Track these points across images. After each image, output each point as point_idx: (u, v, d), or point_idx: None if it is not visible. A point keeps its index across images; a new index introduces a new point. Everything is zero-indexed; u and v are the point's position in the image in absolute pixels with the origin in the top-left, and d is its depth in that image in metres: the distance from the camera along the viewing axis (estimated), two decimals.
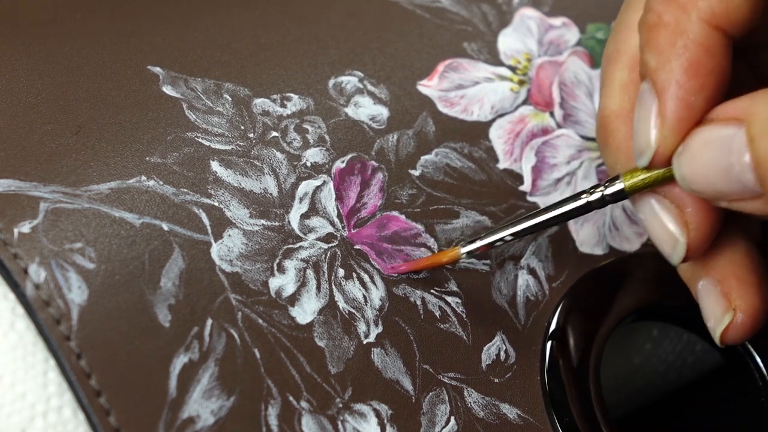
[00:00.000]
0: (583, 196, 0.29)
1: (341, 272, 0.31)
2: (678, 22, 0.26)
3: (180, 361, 0.28)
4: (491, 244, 0.31)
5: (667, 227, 0.28)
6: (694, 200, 0.28)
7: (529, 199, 0.35)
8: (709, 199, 0.27)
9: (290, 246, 0.31)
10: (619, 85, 0.30)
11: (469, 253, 0.31)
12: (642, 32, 0.27)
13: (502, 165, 0.36)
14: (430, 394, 0.31)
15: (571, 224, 0.36)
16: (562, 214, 0.30)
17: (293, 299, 0.30)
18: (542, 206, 0.35)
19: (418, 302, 0.32)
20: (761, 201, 0.25)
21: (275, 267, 0.30)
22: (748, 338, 0.30)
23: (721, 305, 0.30)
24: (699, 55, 0.26)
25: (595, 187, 0.29)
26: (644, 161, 0.27)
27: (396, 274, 0.32)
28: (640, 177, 0.28)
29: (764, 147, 0.24)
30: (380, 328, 0.31)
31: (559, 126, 0.37)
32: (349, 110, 0.34)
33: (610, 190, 0.29)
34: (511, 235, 0.31)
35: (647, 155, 0.27)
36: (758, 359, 0.35)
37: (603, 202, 0.29)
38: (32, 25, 0.34)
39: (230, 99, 0.33)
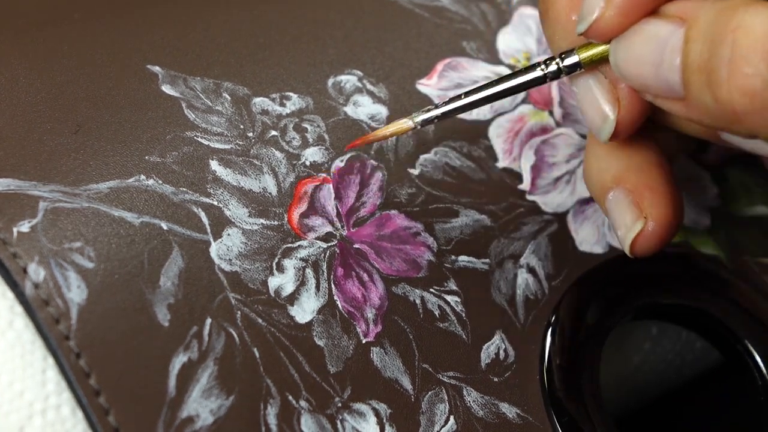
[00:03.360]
0: (539, 67, 0.29)
1: (340, 271, 0.31)
2: None
3: (179, 360, 0.28)
4: (448, 114, 0.30)
5: (599, 102, 0.29)
6: None
7: (529, 197, 0.35)
8: (636, 89, 0.27)
9: (289, 245, 0.31)
10: None
11: (424, 122, 0.31)
12: None
13: (502, 164, 0.36)
14: (429, 393, 0.31)
15: (571, 223, 0.36)
16: (518, 84, 0.30)
17: (292, 298, 0.30)
18: (542, 206, 0.35)
19: (418, 301, 0.32)
20: (682, 104, 0.26)
21: (274, 266, 0.30)
22: (658, 250, 0.30)
23: (631, 213, 0.30)
24: None
25: (551, 59, 0.29)
26: (582, 27, 0.27)
27: (395, 275, 0.32)
28: (594, 51, 0.28)
29: (695, 51, 0.24)
30: (379, 327, 0.31)
31: (558, 125, 0.37)
32: (349, 109, 0.34)
33: (566, 62, 0.29)
34: (469, 104, 0.30)
35: (586, 22, 0.27)
36: (758, 358, 0.35)
37: (558, 73, 0.29)
38: (31, 25, 0.34)
39: (229, 98, 0.33)
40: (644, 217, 0.30)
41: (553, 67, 0.29)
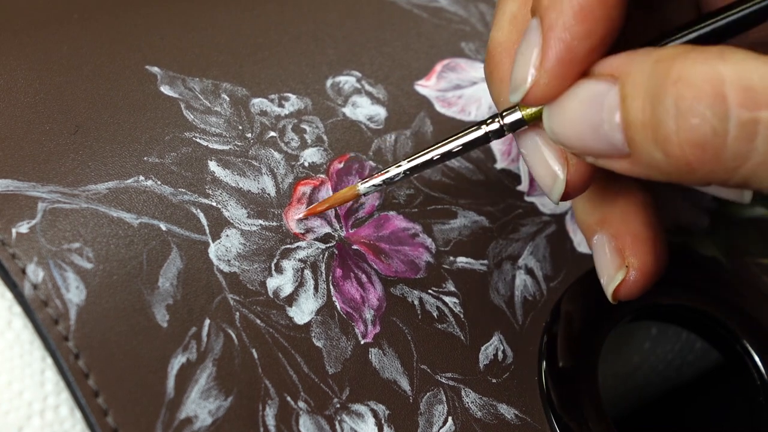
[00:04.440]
0: (482, 126, 0.29)
1: (339, 272, 0.31)
2: None
3: (178, 361, 0.28)
4: (391, 179, 0.31)
5: (547, 162, 0.28)
6: None
7: (527, 199, 0.35)
8: (576, 153, 0.27)
9: (288, 246, 0.31)
10: (509, 17, 0.29)
11: (367, 190, 0.31)
12: None
13: (500, 165, 0.36)
14: (428, 394, 0.31)
15: (569, 224, 0.36)
16: (462, 145, 0.30)
17: (291, 299, 0.30)
18: (540, 208, 0.35)
19: (416, 302, 0.32)
20: (628, 161, 0.25)
21: (273, 267, 0.30)
22: (640, 295, 0.30)
23: (614, 262, 0.30)
24: (591, 0, 0.25)
25: (493, 117, 0.29)
26: (516, 97, 0.27)
27: (393, 276, 0.32)
28: (537, 108, 0.28)
29: (635, 107, 0.24)
30: (378, 329, 0.31)
31: None
32: (347, 110, 0.34)
33: (508, 120, 0.28)
34: (412, 168, 0.31)
35: (520, 92, 0.26)
36: (757, 358, 0.35)
37: (501, 132, 0.29)
38: (30, 25, 0.34)
39: (228, 99, 0.33)
40: (626, 266, 0.30)
41: (495, 126, 0.29)
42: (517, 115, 0.28)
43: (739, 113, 0.23)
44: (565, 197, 0.28)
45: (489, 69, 0.30)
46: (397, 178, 0.31)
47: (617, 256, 0.30)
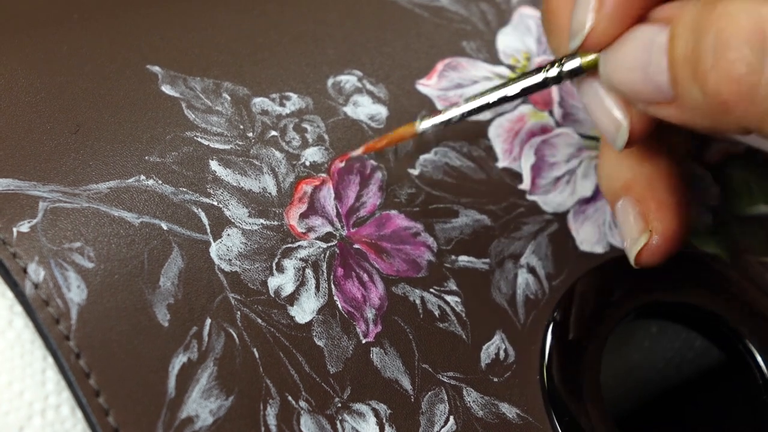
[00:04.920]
0: (541, 72, 0.29)
1: (340, 271, 0.31)
2: None
3: (179, 360, 0.28)
4: (450, 120, 0.32)
5: (610, 111, 0.28)
6: None
7: (529, 197, 0.35)
8: (629, 99, 0.27)
9: (289, 245, 0.31)
10: None
11: (431, 127, 0.32)
12: None
13: (502, 164, 0.36)
14: (429, 393, 0.31)
15: (571, 223, 0.36)
16: (521, 89, 0.30)
17: (292, 299, 0.30)
18: (542, 206, 0.35)
19: (417, 301, 0.32)
20: (674, 106, 0.25)
21: (274, 266, 0.30)
22: (662, 261, 0.31)
23: (638, 226, 0.30)
24: None
25: (552, 63, 0.29)
26: (575, 43, 0.27)
27: (395, 275, 0.32)
28: (595, 56, 0.28)
29: (681, 46, 0.24)
30: (379, 328, 0.31)
31: (558, 125, 0.37)
32: (348, 109, 0.34)
33: (567, 67, 0.29)
34: (471, 110, 0.31)
35: (579, 38, 0.27)
36: (758, 357, 0.35)
37: (559, 78, 0.29)
38: (31, 25, 0.34)
39: (229, 98, 0.33)
40: (649, 231, 0.30)
41: (553, 72, 0.29)
42: (576, 62, 0.28)
43: None
44: (629, 144, 0.28)
45: (547, 18, 0.30)
46: (455, 120, 0.32)
47: (641, 220, 0.30)
